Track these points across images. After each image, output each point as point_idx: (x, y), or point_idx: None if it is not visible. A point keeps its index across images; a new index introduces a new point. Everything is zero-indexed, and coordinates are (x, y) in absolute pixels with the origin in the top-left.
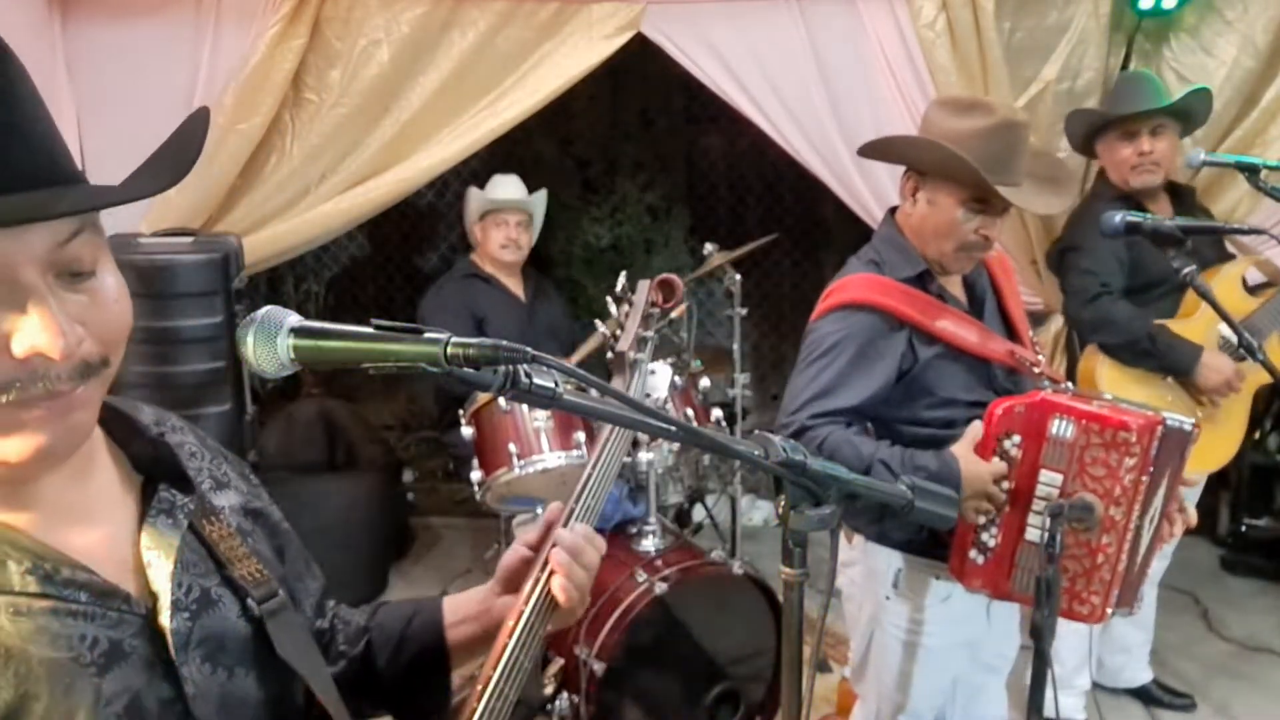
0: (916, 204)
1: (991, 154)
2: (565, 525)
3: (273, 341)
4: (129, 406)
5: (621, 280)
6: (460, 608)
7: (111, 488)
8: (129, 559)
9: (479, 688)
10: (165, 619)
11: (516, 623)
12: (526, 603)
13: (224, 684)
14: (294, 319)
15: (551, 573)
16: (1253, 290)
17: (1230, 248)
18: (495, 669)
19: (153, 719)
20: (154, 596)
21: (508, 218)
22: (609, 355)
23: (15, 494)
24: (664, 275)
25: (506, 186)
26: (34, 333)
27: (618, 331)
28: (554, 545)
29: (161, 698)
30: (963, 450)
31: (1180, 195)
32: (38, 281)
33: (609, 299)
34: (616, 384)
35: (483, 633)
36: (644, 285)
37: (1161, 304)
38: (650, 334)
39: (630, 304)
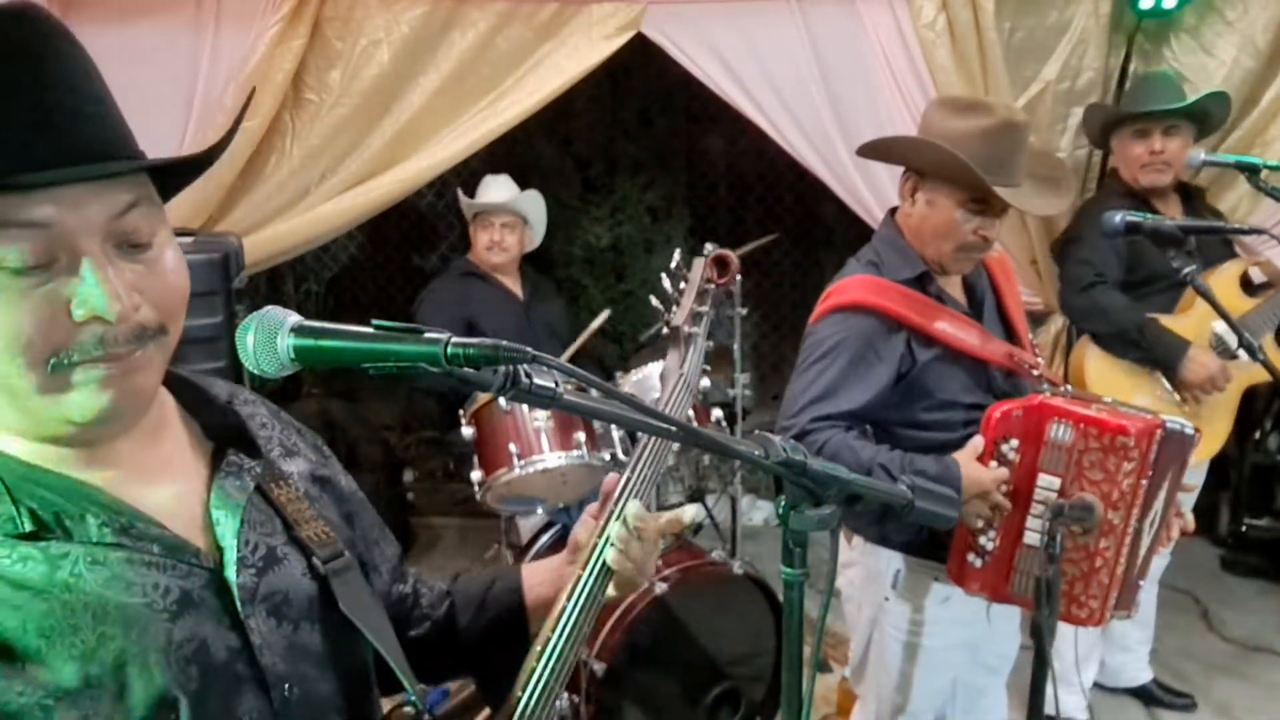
0: (915, 205)
1: (991, 155)
2: (620, 497)
3: (273, 341)
4: (203, 380)
5: (676, 257)
6: (537, 572)
7: (183, 451)
8: (198, 517)
9: (536, 648)
10: (231, 574)
11: (574, 586)
12: (584, 567)
13: (289, 637)
14: (294, 319)
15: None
16: (1256, 290)
17: (1236, 248)
18: (553, 630)
19: (221, 665)
20: (221, 552)
21: (493, 219)
22: (664, 330)
23: (93, 455)
24: (719, 251)
25: (491, 189)
26: (91, 297)
27: (674, 308)
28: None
29: (230, 646)
30: (964, 457)
31: (1190, 195)
32: (96, 250)
33: (663, 275)
34: (671, 358)
35: (557, 595)
36: (699, 262)
37: (1159, 299)
38: (706, 309)
39: (685, 280)
